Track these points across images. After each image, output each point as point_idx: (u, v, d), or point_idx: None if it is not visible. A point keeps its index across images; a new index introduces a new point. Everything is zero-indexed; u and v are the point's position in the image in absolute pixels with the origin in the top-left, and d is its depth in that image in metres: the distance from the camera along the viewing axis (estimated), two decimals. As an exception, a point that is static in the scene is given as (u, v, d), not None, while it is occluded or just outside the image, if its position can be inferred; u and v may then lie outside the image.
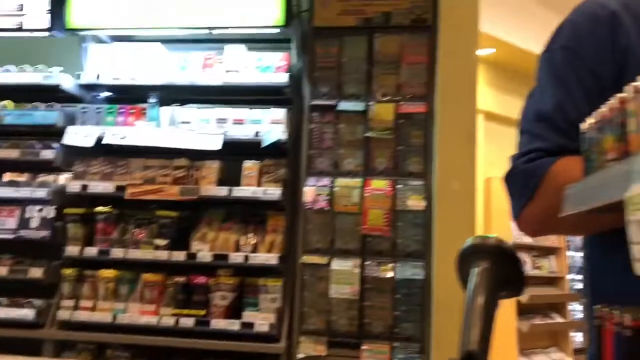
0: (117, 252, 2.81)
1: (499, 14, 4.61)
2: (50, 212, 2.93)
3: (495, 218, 4.95)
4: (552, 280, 5.57)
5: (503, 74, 5.35)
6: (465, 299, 0.75)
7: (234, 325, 2.67)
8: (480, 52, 5.04)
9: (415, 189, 2.73)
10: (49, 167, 3.01)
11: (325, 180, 2.79)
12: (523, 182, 0.99)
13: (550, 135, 0.98)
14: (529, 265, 5.47)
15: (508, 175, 1.04)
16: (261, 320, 2.67)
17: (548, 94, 1.02)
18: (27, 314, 2.77)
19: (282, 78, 2.81)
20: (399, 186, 2.74)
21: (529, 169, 0.98)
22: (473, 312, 0.72)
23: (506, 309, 4.94)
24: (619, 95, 0.70)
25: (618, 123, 0.70)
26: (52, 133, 2.96)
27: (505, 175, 1.05)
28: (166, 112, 2.96)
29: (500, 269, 0.77)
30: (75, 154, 2.95)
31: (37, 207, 2.94)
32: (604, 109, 0.75)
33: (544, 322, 5.22)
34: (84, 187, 2.88)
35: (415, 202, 2.70)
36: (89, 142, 2.84)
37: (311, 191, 2.74)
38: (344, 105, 2.83)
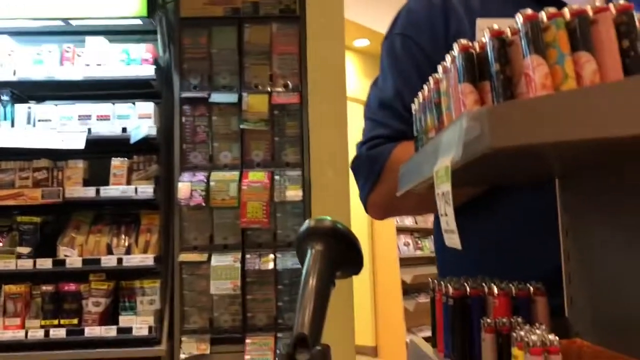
0: (-28, 265, 2.58)
1: (370, 6, 4.74)
2: None
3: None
4: (434, 260, 5.85)
5: (378, 63, 5.52)
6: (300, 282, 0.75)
7: (110, 331, 2.56)
8: (356, 44, 5.17)
9: (293, 179, 2.74)
10: None
11: (201, 175, 2.72)
12: (368, 168, 1.01)
13: (390, 122, 1.00)
14: (411, 246, 5.72)
15: (354, 162, 1.05)
16: (140, 323, 2.57)
17: (388, 81, 1.04)
18: None
19: (149, 71, 2.69)
20: (276, 177, 2.74)
21: (372, 155, 1.00)
22: (306, 294, 0.71)
23: (392, 289, 5.14)
24: (434, 75, 0.72)
25: (435, 103, 0.73)
26: None
27: (351, 163, 1.06)
28: (22, 110, 2.74)
29: (335, 250, 0.77)
30: None
31: None
32: (424, 89, 0.78)
33: (428, 300, 5.48)
34: None
35: (294, 192, 2.72)
36: None
37: (186, 187, 2.66)
38: (216, 97, 2.78)
